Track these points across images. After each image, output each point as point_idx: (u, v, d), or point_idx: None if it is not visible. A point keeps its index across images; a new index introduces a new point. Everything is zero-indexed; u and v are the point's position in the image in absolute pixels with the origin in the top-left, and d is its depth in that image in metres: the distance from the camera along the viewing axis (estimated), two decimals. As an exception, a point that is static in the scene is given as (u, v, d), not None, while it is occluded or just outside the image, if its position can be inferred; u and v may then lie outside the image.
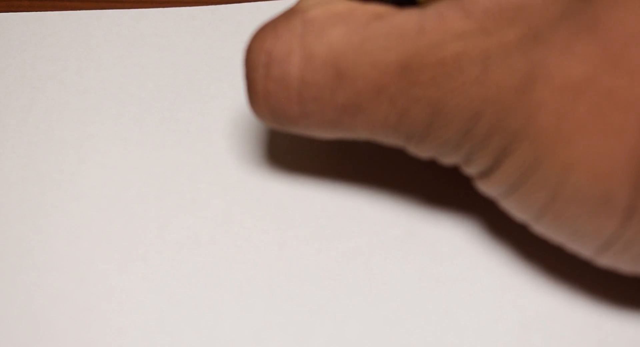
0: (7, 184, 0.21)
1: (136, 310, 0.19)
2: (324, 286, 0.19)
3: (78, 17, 0.25)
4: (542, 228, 0.16)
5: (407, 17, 0.15)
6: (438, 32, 0.15)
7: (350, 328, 0.18)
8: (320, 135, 0.18)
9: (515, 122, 0.15)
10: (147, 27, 0.25)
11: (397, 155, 0.21)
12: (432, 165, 0.21)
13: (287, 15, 0.17)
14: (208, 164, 0.21)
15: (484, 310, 0.18)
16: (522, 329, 0.18)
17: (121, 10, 0.25)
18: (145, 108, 0.23)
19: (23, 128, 0.22)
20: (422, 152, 0.17)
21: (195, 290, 0.19)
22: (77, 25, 0.25)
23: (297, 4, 0.17)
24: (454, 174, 0.21)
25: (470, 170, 0.17)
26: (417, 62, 0.15)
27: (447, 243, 0.20)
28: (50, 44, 0.24)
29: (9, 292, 0.19)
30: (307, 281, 0.19)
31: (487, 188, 0.17)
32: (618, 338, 0.18)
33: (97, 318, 0.18)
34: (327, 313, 0.19)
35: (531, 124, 0.15)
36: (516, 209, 0.16)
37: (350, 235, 0.20)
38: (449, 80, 0.15)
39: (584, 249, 0.16)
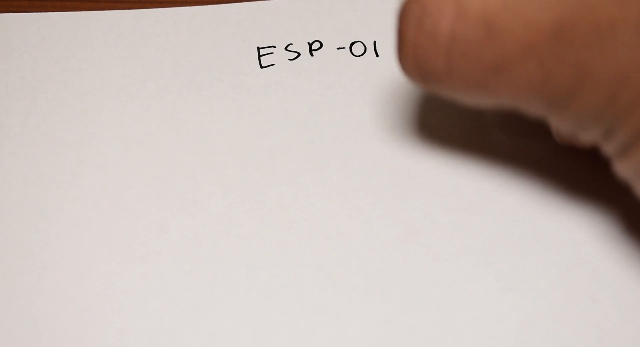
0: (8, 185, 0.21)
1: (137, 310, 0.19)
2: (324, 286, 0.19)
3: (78, 18, 0.25)
4: None
5: None
6: None
7: (350, 328, 0.18)
8: (462, 98, 0.17)
9: None
10: (147, 27, 0.25)
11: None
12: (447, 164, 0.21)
13: None
14: (208, 164, 0.21)
15: (484, 310, 0.18)
16: (522, 329, 0.18)
17: (121, 11, 0.25)
18: (145, 108, 0.23)
19: (23, 129, 0.22)
20: (563, 122, 0.17)
21: (196, 290, 0.19)
22: (77, 25, 0.25)
23: None
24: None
25: (609, 147, 0.16)
26: (571, 23, 0.15)
27: (447, 243, 0.20)
28: (50, 44, 0.24)
29: (10, 293, 0.19)
30: (307, 281, 0.19)
31: (626, 167, 0.16)
32: (618, 338, 0.18)
33: (98, 319, 0.19)
34: (327, 313, 0.19)
35: None
36: None
37: (351, 234, 0.20)
38: (601, 43, 0.15)
39: None
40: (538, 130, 0.20)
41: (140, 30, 0.24)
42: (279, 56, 0.24)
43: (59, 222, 0.20)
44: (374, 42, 0.24)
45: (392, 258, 0.19)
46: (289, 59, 0.24)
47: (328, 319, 0.18)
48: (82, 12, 0.25)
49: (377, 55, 0.23)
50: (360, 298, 0.19)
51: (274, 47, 0.24)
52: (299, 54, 0.24)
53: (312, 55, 0.24)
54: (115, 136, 0.22)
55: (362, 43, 0.24)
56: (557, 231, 0.20)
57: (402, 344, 0.18)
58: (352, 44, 0.24)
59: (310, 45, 0.24)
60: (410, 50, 0.17)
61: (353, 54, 0.24)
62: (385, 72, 0.23)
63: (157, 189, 0.21)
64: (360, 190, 0.21)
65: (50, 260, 0.20)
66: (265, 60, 0.24)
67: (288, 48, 0.24)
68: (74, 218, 0.20)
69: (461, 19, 0.16)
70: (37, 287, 0.19)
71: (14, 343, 0.18)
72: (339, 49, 0.24)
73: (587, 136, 0.17)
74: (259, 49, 0.24)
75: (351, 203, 0.20)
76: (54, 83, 0.23)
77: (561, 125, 0.17)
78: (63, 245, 0.20)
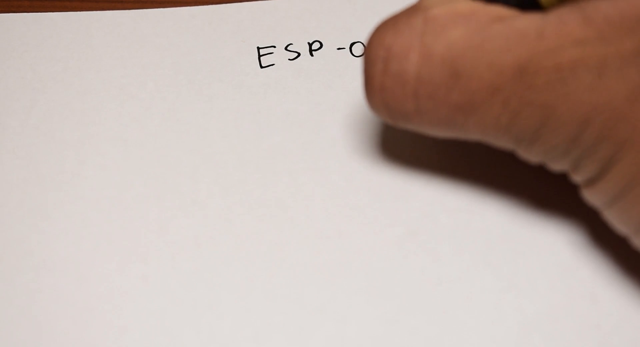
0: (8, 185, 0.21)
1: (137, 310, 0.19)
2: (324, 286, 0.19)
3: (78, 18, 0.25)
4: None
5: (528, 20, 0.15)
6: (557, 37, 0.15)
7: (350, 328, 0.18)
8: (432, 134, 0.18)
9: (624, 130, 0.15)
10: (147, 27, 0.25)
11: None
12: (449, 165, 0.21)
13: (409, 12, 0.17)
14: (208, 164, 0.21)
15: (484, 310, 0.18)
16: (522, 329, 0.18)
17: (121, 11, 0.25)
18: (145, 108, 0.23)
19: (23, 129, 0.22)
20: (531, 156, 0.17)
21: (196, 290, 0.19)
22: (77, 25, 0.25)
23: (420, 2, 0.17)
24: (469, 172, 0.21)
25: (577, 177, 0.17)
26: (533, 65, 0.15)
27: (447, 243, 0.20)
28: (50, 44, 0.24)
29: (10, 293, 0.19)
30: (307, 281, 0.19)
31: (592, 197, 0.17)
32: (618, 338, 0.18)
33: (98, 318, 0.19)
34: (327, 313, 0.19)
35: (639, 134, 0.15)
36: (618, 220, 0.16)
37: (351, 234, 0.20)
38: (563, 85, 0.15)
39: None
40: None
41: (140, 30, 0.24)
42: (279, 56, 0.24)
43: (59, 222, 0.20)
44: (374, 42, 0.24)
45: (392, 258, 0.19)
46: (289, 59, 0.24)
47: (328, 319, 0.18)
48: (82, 12, 0.25)
49: (377, 55, 0.23)
50: (360, 298, 0.19)
51: (274, 47, 0.24)
52: (299, 54, 0.24)
53: (312, 55, 0.24)
54: (115, 136, 0.22)
55: (362, 43, 0.24)
56: (557, 231, 0.20)
57: (402, 344, 0.18)
58: (352, 44, 0.24)
59: (310, 45, 0.24)
60: (378, 92, 0.17)
61: (353, 54, 0.24)
62: (385, 72, 0.23)
63: (157, 189, 0.21)
64: (360, 190, 0.21)
65: (50, 260, 0.20)
66: (265, 60, 0.24)
67: (288, 48, 0.24)
68: (74, 218, 0.20)
69: (427, 61, 0.16)
70: (37, 287, 0.19)
71: (14, 343, 0.18)
72: (339, 49, 0.24)
73: (555, 167, 0.17)
74: (259, 49, 0.24)
75: (351, 203, 0.20)
76: (54, 83, 0.23)
77: (529, 158, 0.17)
78: (63, 245, 0.20)
